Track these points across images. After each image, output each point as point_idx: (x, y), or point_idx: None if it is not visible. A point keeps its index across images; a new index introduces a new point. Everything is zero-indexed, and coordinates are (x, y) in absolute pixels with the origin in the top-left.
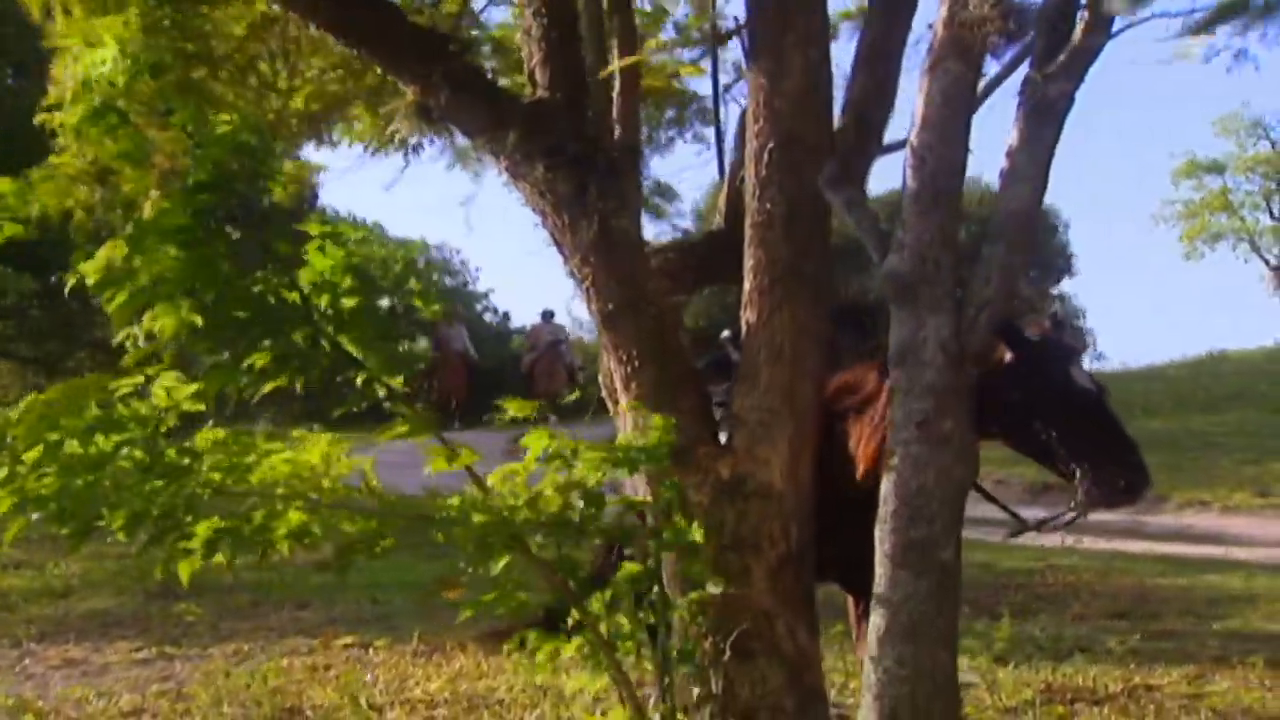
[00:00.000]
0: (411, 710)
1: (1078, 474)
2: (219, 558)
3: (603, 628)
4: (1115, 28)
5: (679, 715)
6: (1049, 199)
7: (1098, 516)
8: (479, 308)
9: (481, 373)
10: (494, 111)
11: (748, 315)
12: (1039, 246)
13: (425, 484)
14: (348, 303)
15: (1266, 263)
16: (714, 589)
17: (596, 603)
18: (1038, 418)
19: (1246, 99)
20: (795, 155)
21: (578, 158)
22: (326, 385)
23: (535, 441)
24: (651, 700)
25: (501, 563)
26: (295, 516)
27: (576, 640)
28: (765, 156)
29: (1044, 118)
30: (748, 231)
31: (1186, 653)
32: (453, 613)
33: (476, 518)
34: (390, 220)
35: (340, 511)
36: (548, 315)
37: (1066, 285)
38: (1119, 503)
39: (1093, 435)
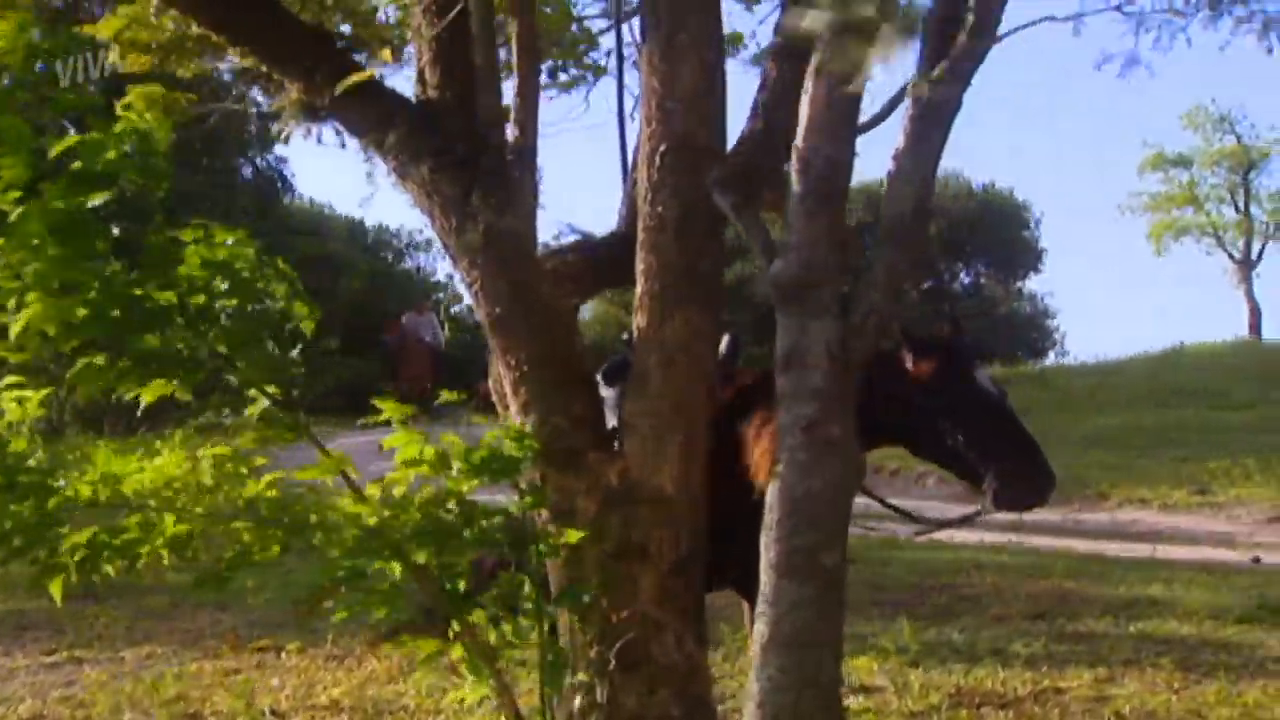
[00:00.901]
0: (314, 717)
1: (986, 477)
2: (105, 569)
3: (488, 636)
4: (1002, 30)
5: None
6: (1019, 193)
7: (1036, 515)
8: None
9: (462, 362)
10: (379, 110)
11: (639, 320)
12: (1006, 242)
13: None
14: (224, 305)
15: (1231, 256)
16: (589, 596)
17: (479, 613)
18: (945, 422)
19: (1214, 93)
20: (688, 158)
21: (463, 159)
22: (207, 390)
23: (405, 447)
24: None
25: (376, 568)
26: (173, 527)
27: (457, 646)
28: (657, 159)
29: (930, 121)
30: (640, 235)
31: (1100, 655)
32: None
33: (351, 527)
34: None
35: (224, 521)
36: None
37: (1034, 281)
38: (1026, 505)
39: (999, 438)
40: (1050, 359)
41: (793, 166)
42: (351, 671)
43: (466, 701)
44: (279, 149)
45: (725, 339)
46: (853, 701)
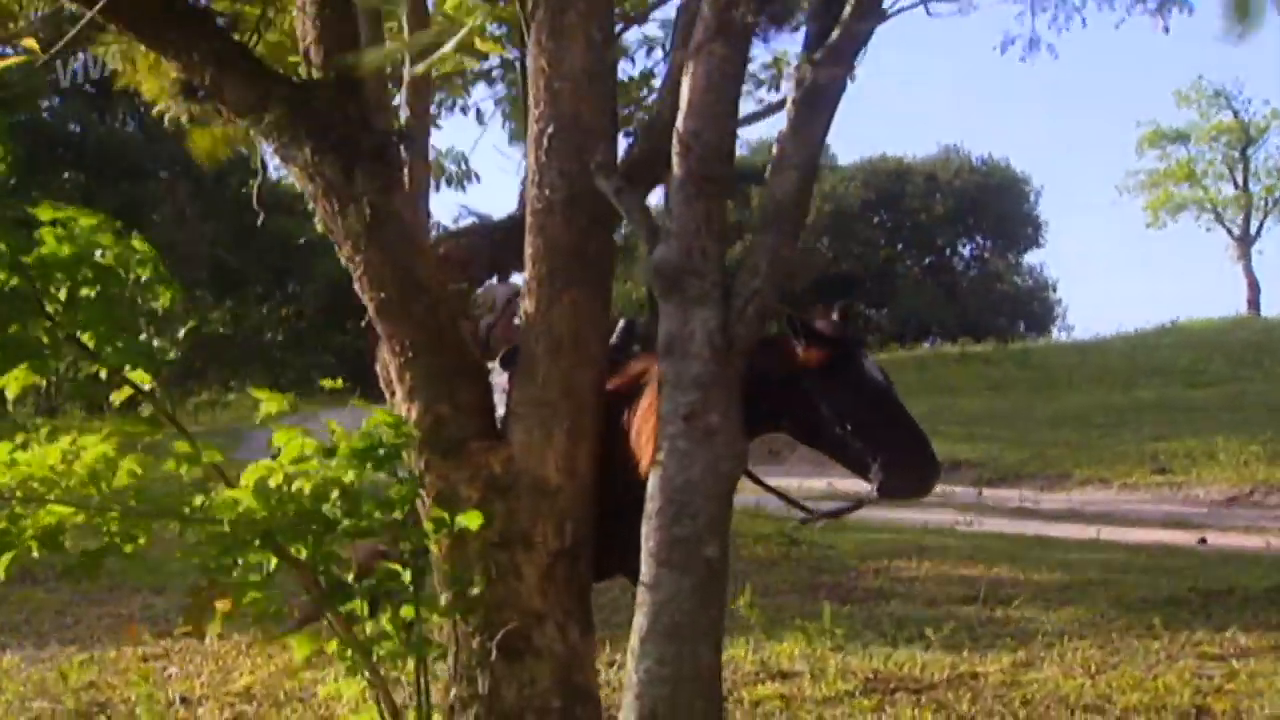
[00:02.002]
0: (224, 705)
1: (873, 466)
2: None
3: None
4: (887, 10)
5: (435, 717)
6: (1018, 165)
7: (991, 494)
8: None
9: None
10: (260, 91)
11: (526, 305)
12: (1007, 215)
13: None
14: (85, 292)
15: (1230, 232)
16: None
17: (354, 605)
18: (832, 409)
19: (1205, 69)
20: (576, 139)
21: (345, 140)
22: (68, 379)
23: (284, 438)
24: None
25: (253, 562)
26: (45, 517)
27: (334, 640)
28: (545, 141)
29: (814, 104)
30: (528, 218)
31: (1024, 639)
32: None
33: (223, 516)
34: None
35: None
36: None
37: (1035, 255)
38: (912, 494)
39: (886, 426)
40: (1054, 334)
41: (673, 150)
42: (272, 658)
43: (344, 696)
44: None
45: (620, 325)
46: (767, 687)
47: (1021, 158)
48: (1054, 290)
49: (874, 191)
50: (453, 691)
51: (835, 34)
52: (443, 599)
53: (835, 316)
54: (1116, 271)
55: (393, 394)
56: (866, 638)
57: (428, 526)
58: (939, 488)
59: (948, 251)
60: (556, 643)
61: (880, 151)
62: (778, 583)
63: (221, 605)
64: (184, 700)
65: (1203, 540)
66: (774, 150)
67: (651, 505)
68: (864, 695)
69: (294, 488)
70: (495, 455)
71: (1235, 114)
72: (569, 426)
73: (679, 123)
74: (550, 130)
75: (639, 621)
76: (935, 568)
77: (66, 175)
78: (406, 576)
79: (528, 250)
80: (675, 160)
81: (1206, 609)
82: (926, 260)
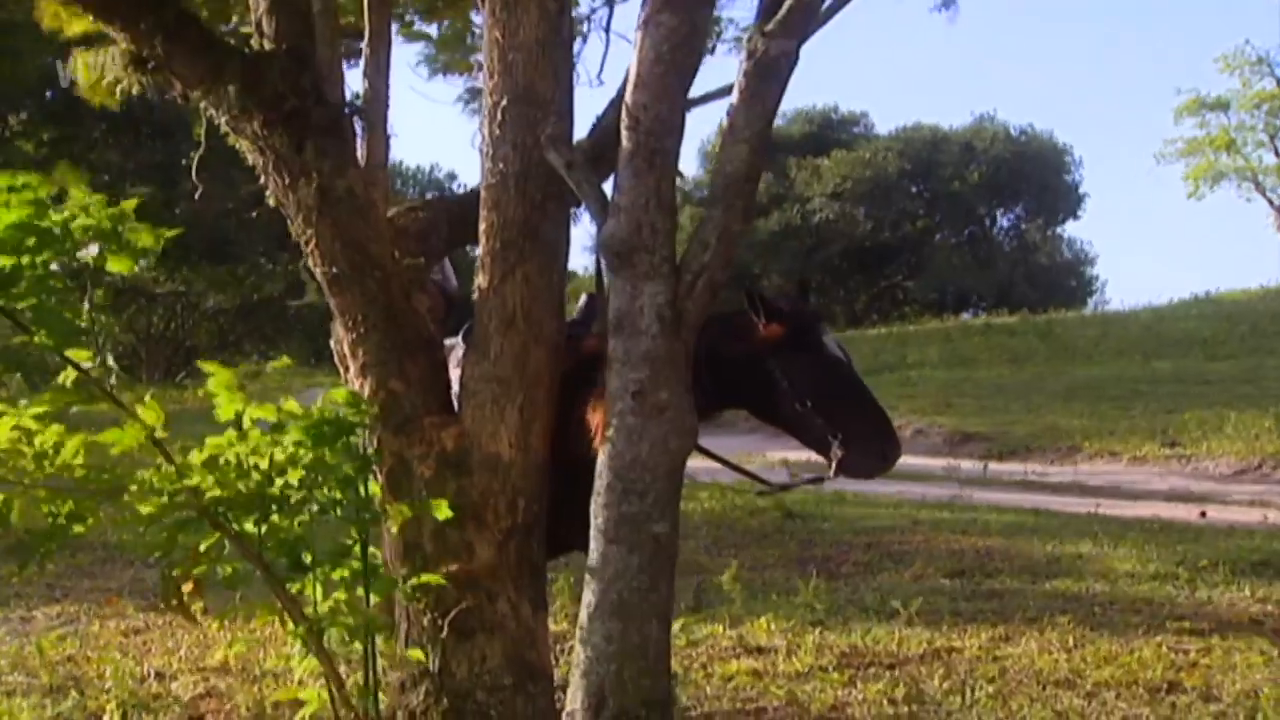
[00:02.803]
0: (198, 679)
1: (833, 443)
2: None
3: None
4: None
5: (382, 694)
6: (1059, 135)
7: (1000, 468)
8: None
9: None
10: (211, 62)
11: (480, 280)
12: (1046, 186)
13: None
14: (15, 262)
15: (1271, 202)
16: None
17: (306, 583)
18: (793, 387)
19: (1250, 34)
20: (530, 112)
21: (296, 113)
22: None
23: (226, 408)
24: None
25: (207, 542)
26: None
27: (291, 618)
28: (499, 114)
29: (765, 76)
30: (482, 192)
31: (1006, 613)
32: None
33: (161, 495)
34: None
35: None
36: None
37: (1073, 227)
38: (872, 472)
39: (846, 404)
40: (1090, 306)
41: (621, 123)
42: (254, 632)
43: (297, 674)
44: None
45: (582, 300)
46: (741, 662)
47: (1059, 126)
48: (1092, 263)
49: (910, 161)
50: (399, 671)
51: (786, 5)
52: (397, 577)
53: (793, 292)
54: (1156, 242)
55: (347, 370)
56: (848, 613)
57: (386, 503)
58: (946, 460)
59: (987, 222)
60: (508, 619)
61: (916, 120)
62: (767, 557)
63: (186, 586)
64: (159, 675)
65: (1202, 514)
66: (724, 123)
67: (600, 482)
68: (836, 670)
69: (248, 464)
70: (448, 431)
71: (1278, 81)
72: (522, 402)
73: (627, 95)
74: (504, 102)
75: (587, 599)
76: (927, 542)
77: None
78: (355, 549)
79: (481, 225)
80: (624, 134)
81: (1192, 583)
82: (965, 231)
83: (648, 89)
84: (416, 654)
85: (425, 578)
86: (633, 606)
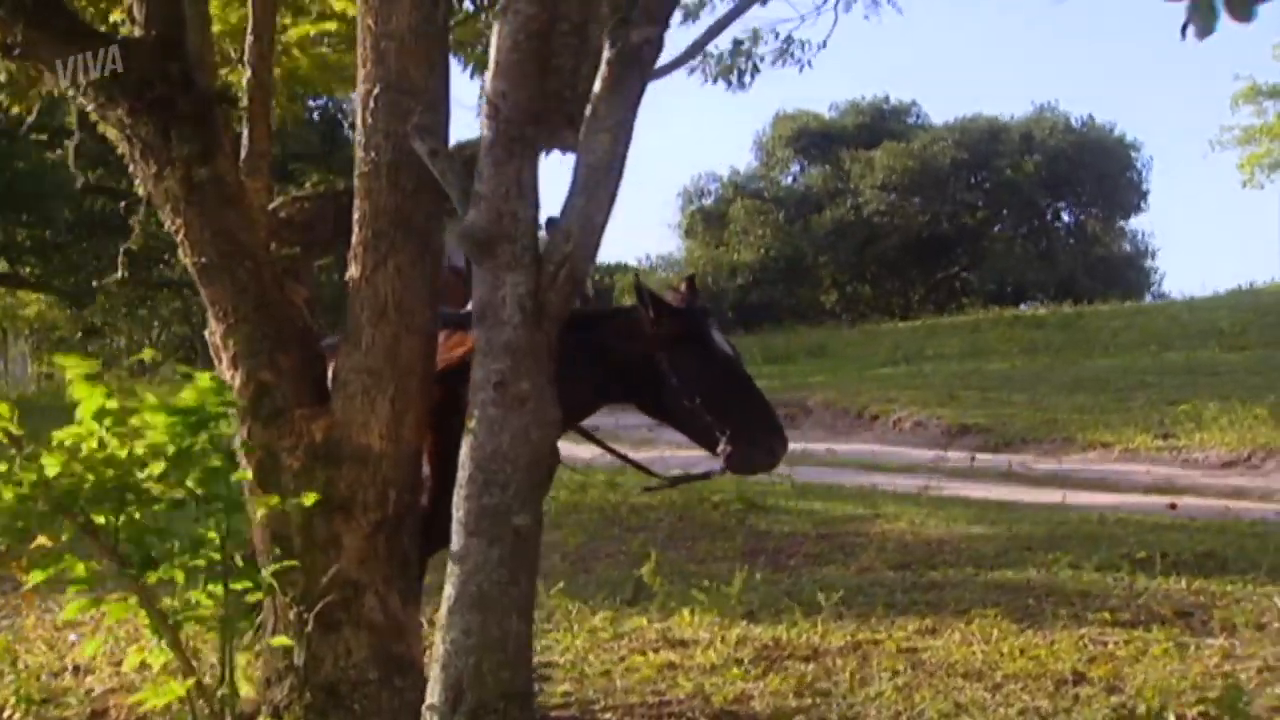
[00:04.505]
0: (114, 674)
1: (721, 439)
2: None
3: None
4: None
5: (246, 688)
6: (1124, 130)
7: (990, 460)
8: None
9: None
10: (75, 48)
11: (352, 270)
12: (1109, 179)
13: None
14: None
15: None
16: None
17: (155, 575)
18: (682, 382)
19: None
20: (402, 101)
21: (162, 101)
22: None
23: (87, 398)
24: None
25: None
26: None
27: (147, 611)
28: (371, 102)
29: (628, 65)
30: (355, 182)
31: (938, 605)
32: None
33: (7, 490)
34: None
35: None
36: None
37: (1135, 221)
38: (759, 467)
39: (734, 400)
40: (1148, 299)
41: (481, 111)
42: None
43: (153, 667)
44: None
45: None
46: (659, 656)
47: (1119, 114)
48: (1152, 256)
49: (967, 151)
50: (261, 663)
51: None
52: (265, 570)
53: (683, 288)
54: (1215, 232)
55: (220, 361)
56: (782, 605)
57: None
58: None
59: (1048, 215)
60: (376, 613)
61: (973, 111)
62: (718, 549)
63: (23, 576)
64: (76, 669)
65: (1172, 506)
66: (588, 113)
67: (462, 474)
68: (753, 663)
69: (106, 453)
70: (317, 423)
71: None
72: (394, 394)
73: (486, 84)
74: (376, 91)
75: (447, 592)
76: (882, 534)
77: None
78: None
79: (355, 215)
80: (484, 122)
81: (1133, 574)
82: (1025, 223)
83: (506, 77)
84: (281, 642)
85: (277, 565)
86: (493, 599)
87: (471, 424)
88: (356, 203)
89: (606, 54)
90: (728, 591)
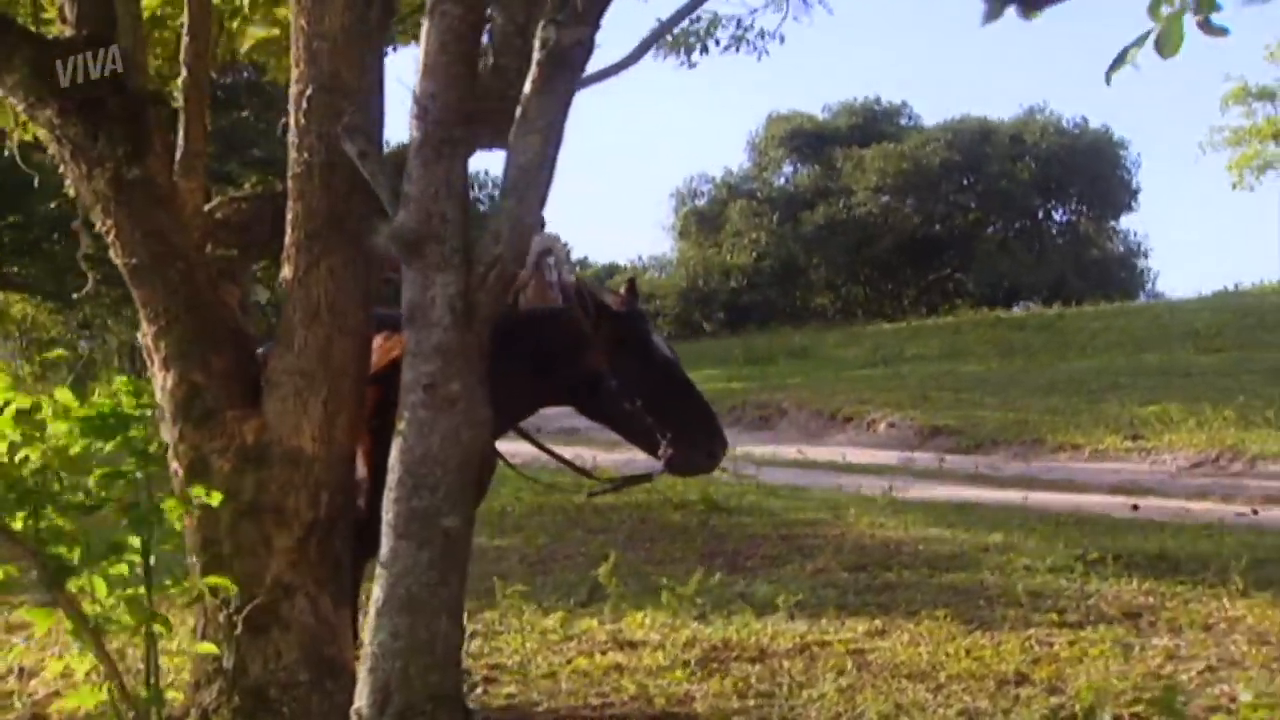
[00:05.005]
0: (61, 680)
1: (661, 441)
2: None
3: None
4: None
5: (172, 693)
6: (1115, 129)
7: (959, 461)
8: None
9: None
10: (4, 47)
11: (285, 272)
12: (1100, 179)
13: None
14: None
15: None
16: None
17: (78, 581)
18: (622, 384)
19: None
20: (335, 101)
21: (91, 101)
22: None
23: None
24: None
25: None
26: None
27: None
28: (304, 103)
29: (558, 66)
30: (289, 183)
31: (889, 606)
32: None
33: None
34: None
35: None
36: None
37: (1125, 219)
38: (699, 469)
39: (674, 402)
40: (1141, 299)
41: (410, 112)
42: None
43: (78, 674)
44: None
45: None
46: (606, 658)
47: (1110, 116)
48: (1145, 256)
49: (959, 153)
50: (197, 666)
51: None
52: (191, 572)
53: (623, 292)
54: (1214, 232)
55: (151, 362)
56: (735, 606)
57: (170, 503)
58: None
59: (1039, 215)
60: (306, 615)
61: (964, 112)
62: (677, 551)
63: None
64: (22, 671)
65: (1134, 507)
66: (518, 113)
67: (391, 476)
68: (699, 665)
69: (17, 457)
70: (248, 425)
71: None
72: (326, 396)
73: (415, 85)
74: (309, 91)
75: (376, 594)
76: (842, 535)
77: None
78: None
79: (289, 216)
80: (412, 123)
81: (1086, 575)
82: (1017, 224)
83: (434, 78)
84: (206, 648)
85: (214, 581)
86: (421, 602)
87: (401, 426)
88: (290, 204)
89: (537, 55)
90: (682, 593)
